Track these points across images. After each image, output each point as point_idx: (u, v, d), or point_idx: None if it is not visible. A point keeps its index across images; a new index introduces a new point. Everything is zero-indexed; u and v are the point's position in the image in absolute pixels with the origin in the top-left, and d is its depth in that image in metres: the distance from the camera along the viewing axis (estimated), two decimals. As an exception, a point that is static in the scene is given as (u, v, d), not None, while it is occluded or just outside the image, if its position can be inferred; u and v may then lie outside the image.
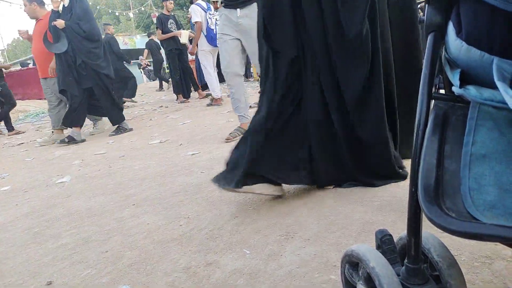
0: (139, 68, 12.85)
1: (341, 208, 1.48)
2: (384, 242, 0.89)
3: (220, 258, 1.27)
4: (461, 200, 0.69)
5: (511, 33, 0.65)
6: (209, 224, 1.54)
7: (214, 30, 5.10)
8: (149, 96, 9.92)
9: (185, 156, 2.84)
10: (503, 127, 0.68)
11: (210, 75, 5.37)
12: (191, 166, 2.52)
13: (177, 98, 7.05)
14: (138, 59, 13.07)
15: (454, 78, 0.75)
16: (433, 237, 0.87)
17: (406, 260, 0.81)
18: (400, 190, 1.55)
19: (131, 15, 28.94)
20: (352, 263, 0.90)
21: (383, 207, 1.43)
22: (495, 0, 0.66)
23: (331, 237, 1.29)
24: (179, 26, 6.82)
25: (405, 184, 1.60)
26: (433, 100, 0.77)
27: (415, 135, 0.77)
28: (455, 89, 0.71)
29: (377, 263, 0.80)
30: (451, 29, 0.72)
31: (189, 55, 7.23)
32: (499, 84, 0.65)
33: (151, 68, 12.60)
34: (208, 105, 5.74)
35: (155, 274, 1.24)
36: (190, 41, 6.43)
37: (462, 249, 1.13)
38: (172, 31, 6.61)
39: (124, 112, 4.90)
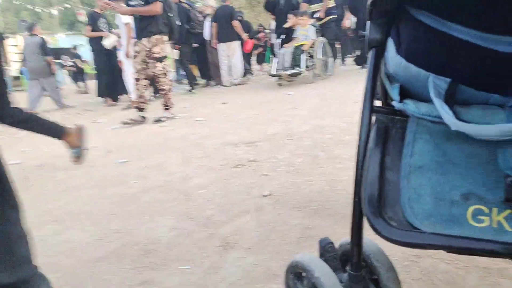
0: (62, 69, 11.83)
1: (280, 214, 1.49)
2: (327, 250, 0.91)
3: (156, 275, 1.20)
4: (400, 209, 0.72)
5: (445, 51, 0.69)
6: (143, 239, 1.45)
7: None
8: (73, 99, 9.21)
9: (115, 165, 2.67)
10: (438, 140, 0.71)
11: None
12: (122, 175, 2.37)
13: (106, 101, 6.62)
14: (60, 59, 12.02)
15: (394, 92, 0.78)
16: (371, 242, 0.90)
17: (348, 267, 0.82)
18: (334, 194, 1.61)
19: (54, 12, 26.68)
20: (296, 273, 0.90)
21: (319, 211, 1.47)
22: (430, 20, 0.69)
23: (271, 245, 1.28)
24: (110, 28, 6.46)
25: (339, 188, 1.66)
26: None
27: (357, 146, 0.79)
28: (395, 104, 0.74)
29: (322, 272, 0.81)
30: (391, 45, 0.75)
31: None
32: (435, 100, 0.69)
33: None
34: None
35: (83, 298, 1.13)
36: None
37: (394, 250, 1.19)
38: (102, 31, 6.24)
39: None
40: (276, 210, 1.54)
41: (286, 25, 6.18)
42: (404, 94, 0.76)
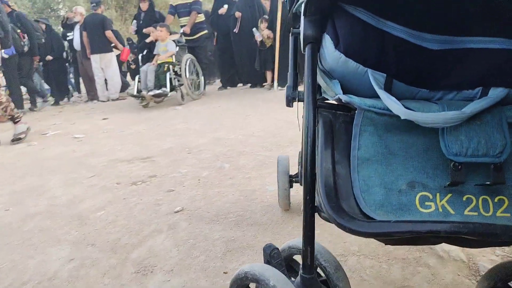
0: None
1: (198, 230, 1.39)
2: (273, 256, 0.86)
3: (61, 316, 0.98)
4: (354, 202, 0.72)
5: (381, 47, 0.72)
6: (34, 275, 1.18)
7: None
8: None
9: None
10: (381, 132, 0.73)
11: None
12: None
13: None
14: None
15: (336, 87, 0.78)
16: (316, 243, 0.89)
17: (301, 271, 0.79)
18: (250, 204, 1.57)
19: None
20: (244, 285, 0.83)
21: (239, 223, 1.41)
22: (367, 17, 0.72)
23: (196, 263, 1.18)
24: None
25: (254, 197, 1.64)
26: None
27: (303, 143, 0.77)
28: (343, 97, 0.74)
29: (277, 280, 0.75)
30: (328, 41, 0.75)
31: None
32: (380, 92, 0.71)
33: None
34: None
35: None
36: None
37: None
38: None
39: None
40: (193, 226, 1.43)
41: (147, 40, 5.59)
42: (343, 89, 0.77)
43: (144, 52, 5.64)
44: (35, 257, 1.30)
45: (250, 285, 0.82)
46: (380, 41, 0.72)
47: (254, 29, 5.66)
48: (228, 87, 6.64)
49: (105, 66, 6.59)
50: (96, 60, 6.51)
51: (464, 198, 0.69)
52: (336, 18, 0.75)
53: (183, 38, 5.75)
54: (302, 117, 1.18)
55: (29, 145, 3.37)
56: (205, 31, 5.98)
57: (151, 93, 4.94)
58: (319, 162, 0.74)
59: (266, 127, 3.05)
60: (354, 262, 1.14)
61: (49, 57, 6.76)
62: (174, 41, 5.39)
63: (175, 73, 5.29)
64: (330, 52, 0.76)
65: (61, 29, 8.18)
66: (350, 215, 0.67)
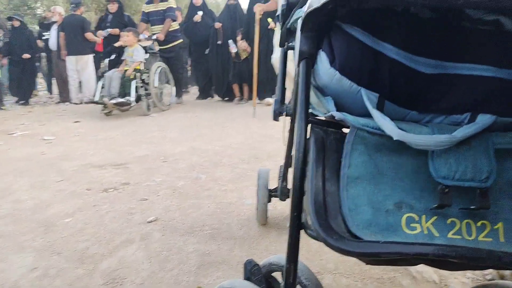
0: None
1: (172, 242, 1.34)
2: (253, 273, 0.83)
3: (20, 330, 0.91)
4: (342, 220, 0.70)
5: (376, 67, 0.72)
6: (-8, 284, 1.10)
7: None
8: None
9: None
10: (371, 151, 0.73)
11: None
12: None
13: None
14: None
15: (329, 104, 0.78)
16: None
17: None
18: (227, 217, 1.54)
19: None
20: (222, 303, 0.79)
21: (215, 236, 1.38)
22: (364, 37, 0.72)
23: (168, 277, 1.13)
24: None
25: (230, 210, 1.61)
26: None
27: (295, 159, 0.75)
28: (336, 114, 0.73)
29: (258, 298, 0.73)
30: (324, 58, 0.75)
31: None
32: (374, 112, 0.71)
33: None
34: None
35: None
36: None
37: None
38: None
39: None
40: (166, 237, 1.38)
41: (116, 44, 5.20)
42: (335, 107, 0.77)
43: (112, 57, 5.25)
44: (-6, 265, 1.21)
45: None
46: (375, 61, 0.72)
47: (230, 40, 5.55)
48: (204, 98, 6.52)
49: (81, 68, 6.42)
50: (72, 62, 6.33)
51: (448, 221, 0.69)
52: (333, 36, 0.74)
53: (156, 46, 5.47)
54: (288, 132, 1.17)
55: (-7, 144, 3.21)
56: (180, 40, 5.73)
57: (114, 101, 4.54)
58: (309, 179, 0.72)
59: (244, 139, 3.03)
60: (330, 280, 1.12)
61: (26, 55, 6.54)
62: (145, 47, 5.08)
63: (143, 81, 4.92)
64: (325, 68, 0.75)
65: (37, 28, 7.96)
66: (339, 234, 0.66)
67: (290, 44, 1.00)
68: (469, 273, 1.15)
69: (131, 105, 4.67)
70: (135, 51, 4.90)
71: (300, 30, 0.77)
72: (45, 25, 7.15)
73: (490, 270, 1.14)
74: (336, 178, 0.73)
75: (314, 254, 1.24)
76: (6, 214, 1.64)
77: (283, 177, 1.34)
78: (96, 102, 4.85)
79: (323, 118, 0.80)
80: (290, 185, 1.37)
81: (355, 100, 0.74)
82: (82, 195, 1.86)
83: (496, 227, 0.67)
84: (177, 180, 2.04)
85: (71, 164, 2.48)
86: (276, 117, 1.08)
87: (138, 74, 4.82)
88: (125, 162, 2.48)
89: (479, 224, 0.67)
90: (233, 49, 5.51)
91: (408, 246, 0.62)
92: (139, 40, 5.04)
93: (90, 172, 2.27)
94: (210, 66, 6.07)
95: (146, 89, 4.94)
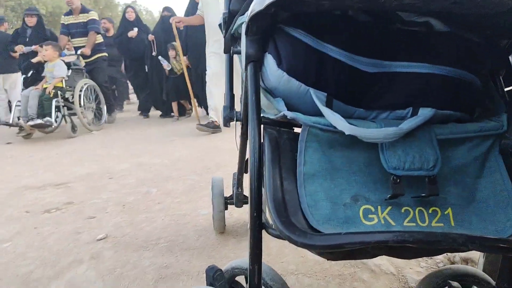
0: None
1: (126, 257, 1.27)
2: (216, 279, 0.82)
3: None
4: (302, 217, 0.72)
5: (321, 68, 0.76)
6: None
7: None
8: None
9: None
10: (325, 148, 0.76)
11: None
12: None
13: None
14: None
15: (280, 105, 0.80)
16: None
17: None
18: (182, 228, 1.50)
19: None
20: (186, 312, 0.77)
21: (172, 248, 1.33)
22: (307, 38, 0.76)
23: (125, 294, 1.07)
24: None
25: (185, 221, 1.57)
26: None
27: (250, 160, 0.76)
28: (288, 113, 0.75)
29: (223, 303, 0.72)
30: (270, 60, 0.77)
31: None
32: (324, 109, 0.74)
33: None
34: None
35: None
36: None
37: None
38: None
39: None
40: (119, 254, 1.31)
41: (34, 60, 4.78)
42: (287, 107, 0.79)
43: (29, 74, 4.80)
44: None
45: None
46: (319, 62, 0.75)
47: (159, 57, 5.32)
48: (146, 114, 6.29)
49: (9, 88, 5.98)
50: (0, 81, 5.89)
51: (403, 210, 0.73)
52: (277, 38, 0.77)
53: (81, 61, 5.08)
54: (240, 137, 1.18)
55: None
56: (104, 54, 5.39)
57: (31, 122, 4.05)
58: (267, 178, 0.73)
59: (193, 152, 2.99)
60: (293, 281, 1.13)
61: None
62: (68, 63, 4.66)
63: (66, 100, 4.47)
64: (272, 70, 0.77)
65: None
66: (301, 230, 0.67)
67: (236, 49, 1.02)
68: (423, 263, 1.22)
69: (53, 126, 4.20)
70: (56, 66, 4.47)
71: (245, 34, 0.79)
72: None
73: (442, 258, 1.22)
74: (292, 176, 0.74)
75: (275, 257, 1.25)
76: None
77: (238, 184, 1.34)
78: (10, 125, 4.35)
79: (274, 119, 0.82)
80: (245, 191, 1.37)
81: (304, 100, 0.77)
82: (21, 218, 1.72)
83: (446, 212, 0.72)
84: (126, 196, 1.95)
85: (4, 187, 2.29)
86: (226, 123, 1.09)
87: (59, 92, 4.36)
88: (67, 181, 2.33)
89: (430, 211, 0.72)
90: (166, 66, 5.33)
91: (369, 235, 0.65)
92: (60, 56, 4.64)
93: (27, 194, 2.11)
94: (148, 82, 5.90)
95: (70, 109, 4.50)
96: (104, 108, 5.28)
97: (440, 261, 1.23)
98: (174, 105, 5.49)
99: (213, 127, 3.73)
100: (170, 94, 5.39)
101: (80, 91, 4.61)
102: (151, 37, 5.63)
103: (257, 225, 0.74)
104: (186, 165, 2.56)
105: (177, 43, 4.55)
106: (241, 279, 0.88)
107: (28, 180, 2.43)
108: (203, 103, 5.15)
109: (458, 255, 1.22)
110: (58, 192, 2.12)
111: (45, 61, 4.54)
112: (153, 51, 5.65)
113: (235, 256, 1.26)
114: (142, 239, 1.42)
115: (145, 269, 1.20)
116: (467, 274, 0.89)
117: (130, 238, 1.43)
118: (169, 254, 1.29)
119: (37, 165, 2.92)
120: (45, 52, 4.44)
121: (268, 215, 0.75)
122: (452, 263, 1.20)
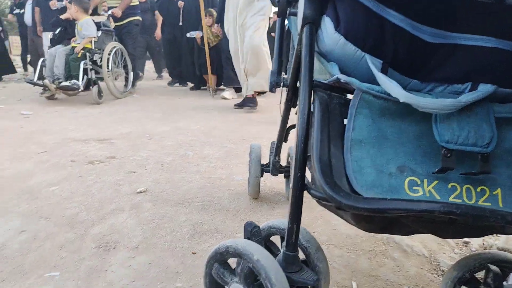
0: None
1: (163, 211, 1.33)
2: (253, 234, 0.84)
3: (13, 286, 0.89)
4: (347, 181, 0.72)
5: (381, 34, 0.73)
6: (-22, 245, 1.06)
7: None
8: None
9: None
10: (375, 116, 0.75)
11: None
12: None
13: None
14: None
15: (334, 69, 0.79)
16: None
17: (284, 248, 0.78)
18: (217, 190, 1.54)
19: None
20: (223, 261, 0.80)
21: (206, 207, 1.38)
22: (369, 2, 0.73)
23: (162, 243, 1.12)
24: None
25: (220, 184, 1.61)
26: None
27: (299, 121, 0.77)
28: (341, 77, 0.74)
29: (260, 255, 0.74)
30: (328, 22, 0.76)
31: None
32: (379, 75, 0.72)
33: None
34: None
35: None
36: None
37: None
38: None
39: None
40: (157, 207, 1.37)
41: (63, 16, 4.39)
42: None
43: (57, 31, 4.36)
44: (-21, 227, 1.18)
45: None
46: (380, 27, 0.73)
47: (188, 34, 5.01)
48: (177, 84, 6.09)
49: (57, 44, 6.17)
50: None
51: (449, 186, 0.71)
52: (337, 1, 0.75)
53: (112, 23, 4.59)
54: (284, 103, 1.18)
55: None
56: (137, 17, 4.90)
57: (59, 84, 3.81)
58: (314, 140, 0.73)
59: (228, 122, 3.03)
60: (324, 251, 1.14)
61: None
62: (98, 23, 4.26)
63: (94, 62, 4.09)
64: (329, 33, 0.76)
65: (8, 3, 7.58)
66: (345, 191, 0.67)
67: (293, 10, 1.00)
68: (457, 249, 1.20)
69: (79, 90, 3.91)
70: (84, 24, 4.07)
71: (305, -5, 0.78)
72: (20, 4, 6.80)
73: (477, 247, 1.19)
74: (340, 140, 0.74)
75: (306, 227, 1.26)
76: (-13, 181, 1.59)
77: (276, 152, 1.35)
78: (34, 83, 4.02)
79: (326, 83, 0.81)
80: (282, 161, 1.38)
81: (358, 66, 0.75)
82: (66, 167, 1.82)
83: (495, 192, 0.70)
84: (165, 156, 2.02)
85: (51, 137, 2.42)
86: (272, 88, 1.08)
87: (88, 54, 4.02)
88: (109, 138, 2.43)
89: (478, 189, 0.70)
90: (198, 34, 4.97)
91: (414, 203, 0.64)
92: (92, 14, 4.35)
93: (73, 146, 2.22)
94: (182, 52, 5.58)
95: (97, 72, 4.12)
96: (131, 75, 4.90)
97: (475, 249, 1.20)
98: (212, 77, 5.07)
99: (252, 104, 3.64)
100: (204, 66, 5.00)
101: (109, 54, 4.24)
102: (180, 3, 5.33)
103: (300, 185, 0.75)
104: (221, 133, 2.60)
105: (203, 15, 4.30)
106: (275, 239, 0.91)
107: (74, 134, 2.55)
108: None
109: (495, 245, 1.19)
110: (101, 146, 2.22)
111: (74, 19, 4.21)
112: (180, 20, 5.36)
113: (268, 221, 1.28)
114: (179, 196, 1.47)
115: (181, 223, 1.25)
116: (507, 261, 0.87)
117: (167, 194, 1.49)
118: (204, 213, 1.33)
119: (80, 120, 3.05)
120: (73, 10, 4.09)
121: (311, 178, 0.76)
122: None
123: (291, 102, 1.11)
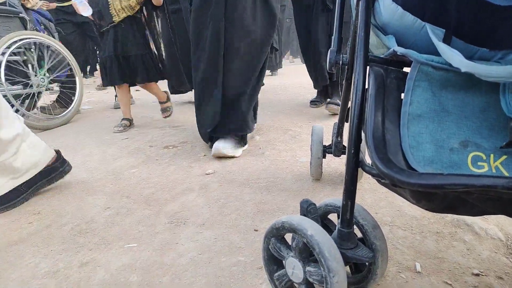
0: None
1: (229, 191, 1.40)
2: (309, 211, 0.85)
3: (97, 255, 1.02)
4: (402, 157, 0.70)
5: (441, 1, 0.69)
6: (72, 219, 1.23)
7: None
8: None
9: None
10: (435, 88, 0.71)
11: None
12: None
13: None
14: None
15: (390, 42, 0.76)
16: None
17: (339, 225, 0.78)
18: (281, 172, 1.57)
19: None
20: (279, 236, 0.83)
21: (270, 188, 1.42)
22: (428, -32, 0.69)
23: (227, 220, 1.19)
24: None
25: (284, 166, 1.64)
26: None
27: (353, 97, 0.75)
28: (398, 49, 0.71)
29: (314, 230, 0.75)
30: None
31: None
32: (440, 44, 0.68)
33: None
34: None
35: (4, 286, 0.90)
36: None
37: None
38: None
39: None
40: (223, 187, 1.44)
41: None
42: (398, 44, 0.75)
43: None
44: (71, 204, 1.35)
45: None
46: (442, -5, 0.68)
47: None
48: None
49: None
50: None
51: (519, 161, 0.66)
52: (395, -31, 0.72)
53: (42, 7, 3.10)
54: (344, 82, 1.16)
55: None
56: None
57: None
58: (368, 116, 0.72)
59: (293, 106, 3.03)
60: (387, 231, 1.12)
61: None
62: None
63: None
64: (386, 5, 0.73)
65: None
66: (399, 167, 0.65)
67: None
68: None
69: None
70: None
71: (361, -34, 0.75)
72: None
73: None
74: (396, 116, 0.72)
75: (369, 208, 1.24)
76: (79, 164, 1.81)
77: (338, 132, 1.33)
78: None
79: (382, 57, 0.78)
80: (345, 141, 1.36)
81: (418, 37, 0.72)
82: (145, 151, 1.99)
83: None
84: (232, 140, 2.10)
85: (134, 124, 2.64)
86: (331, 67, 1.07)
87: None
88: (181, 125, 2.59)
89: (552, 164, 0.64)
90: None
91: (474, 178, 0.60)
92: None
93: (151, 133, 2.40)
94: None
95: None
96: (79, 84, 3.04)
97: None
98: None
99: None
100: None
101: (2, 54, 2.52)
102: None
103: (354, 162, 0.75)
104: (287, 117, 2.61)
105: None
106: (333, 217, 0.91)
107: (152, 121, 2.76)
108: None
109: None
110: (175, 132, 2.37)
111: None
112: None
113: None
114: (244, 177, 1.53)
115: (245, 202, 1.30)
116: None
117: (233, 176, 1.56)
118: (267, 193, 1.37)
119: (158, 110, 3.28)
120: None
121: (367, 155, 0.75)
122: None
123: (350, 80, 1.09)
